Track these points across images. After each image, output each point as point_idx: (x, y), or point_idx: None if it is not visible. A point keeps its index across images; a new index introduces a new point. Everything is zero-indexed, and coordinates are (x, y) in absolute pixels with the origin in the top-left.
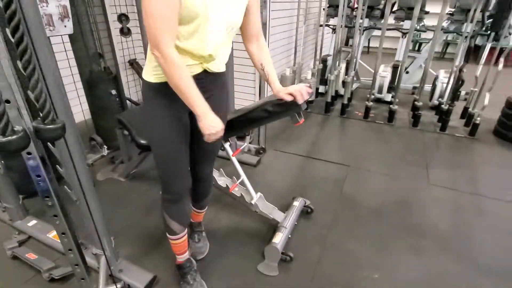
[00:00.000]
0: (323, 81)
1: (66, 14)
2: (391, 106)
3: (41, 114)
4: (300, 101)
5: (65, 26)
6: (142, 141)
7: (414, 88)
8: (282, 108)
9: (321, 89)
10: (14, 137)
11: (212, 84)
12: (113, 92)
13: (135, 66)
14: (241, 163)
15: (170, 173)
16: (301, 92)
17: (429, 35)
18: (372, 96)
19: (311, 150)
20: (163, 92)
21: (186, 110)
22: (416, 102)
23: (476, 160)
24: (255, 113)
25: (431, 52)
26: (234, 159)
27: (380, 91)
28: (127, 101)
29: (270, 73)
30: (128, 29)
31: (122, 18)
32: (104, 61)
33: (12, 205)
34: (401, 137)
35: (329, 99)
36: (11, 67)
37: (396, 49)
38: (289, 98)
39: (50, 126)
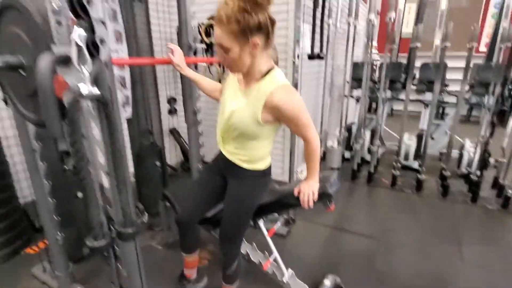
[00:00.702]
0: (349, 147)
1: (127, 102)
2: (418, 175)
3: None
4: (304, 206)
5: (126, 111)
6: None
7: (441, 154)
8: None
9: (347, 154)
10: (104, 242)
11: (226, 168)
12: (158, 163)
13: (175, 134)
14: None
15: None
16: (309, 199)
17: (452, 98)
18: (399, 164)
19: (340, 221)
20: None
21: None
22: (444, 172)
23: (510, 237)
24: (287, 200)
25: (455, 121)
26: (268, 238)
27: (406, 158)
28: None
29: (307, 169)
30: (175, 109)
31: (171, 101)
32: (152, 137)
33: (62, 273)
34: (431, 208)
35: (355, 167)
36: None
37: (419, 112)
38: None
39: (130, 231)
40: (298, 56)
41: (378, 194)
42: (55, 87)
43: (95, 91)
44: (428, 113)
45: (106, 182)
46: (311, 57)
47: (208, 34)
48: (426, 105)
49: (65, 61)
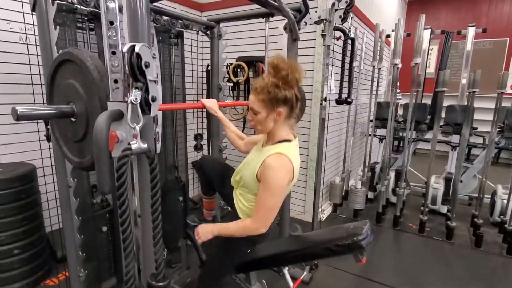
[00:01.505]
0: (372, 187)
1: (158, 138)
2: (449, 222)
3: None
4: (196, 236)
5: (156, 148)
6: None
7: (470, 199)
8: (346, 249)
9: (370, 195)
10: None
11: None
12: (180, 198)
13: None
14: (293, 278)
15: None
16: (200, 235)
17: (478, 139)
18: (426, 209)
19: (365, 269)
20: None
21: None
22: (476, 219)
23: None
24: (315, 250)
25: (485, 164)
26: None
27: (433, 203)
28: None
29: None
30: (201, 145)
31: (198, 137)
32: (177, 171)
33: None
34: (464, 259)
35: (380, 209)
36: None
37: (444, 151)
38: None
39: (161, 284)
40: (325, 99)
41: (406, 240)
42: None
43: (143, 146)
44: (456, 155)
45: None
46: (339, 102)
47: (235, 74)
48: (453, 147)
49: (119, 117)
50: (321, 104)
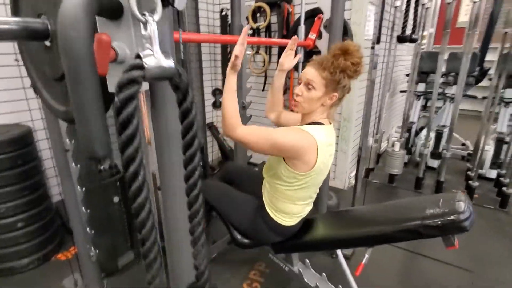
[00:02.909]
0: (408, 150)
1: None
2: (504, 189)
3: None
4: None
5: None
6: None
7: None
8: (441, 231)
9: (405, 158)
10: None
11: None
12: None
13: (213, 130)
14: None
15: None
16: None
17: None
18: (475, 174)
19: (416, 243)
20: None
21: None
22: None
23: None
24: (391, 231)
25: None
26: (347, 272)
27: (480, 167)
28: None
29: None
30: (220, 102)
31: (216, 92)
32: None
33: None
34: None
35: (420, 174)
36: None
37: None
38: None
39: None
40: (378, 40)
41: None
42: (95, 54)
43: (167, 62)
44: (508, 113)
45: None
46: (402, 39)
47: (254, 19)
48: (506, 103)
49: (115, 9)
50: (372, 47)
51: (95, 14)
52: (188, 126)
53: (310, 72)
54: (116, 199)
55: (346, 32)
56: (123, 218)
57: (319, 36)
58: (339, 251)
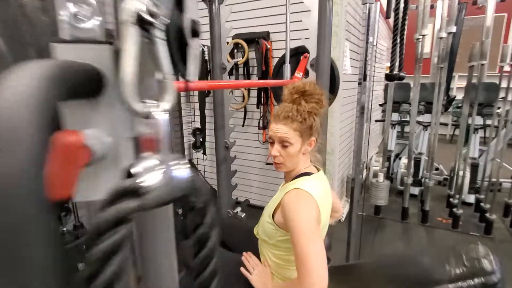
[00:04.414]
0: (389, 178)
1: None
2: (487, 215)
3: None
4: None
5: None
6: None
7: (491, 184)
8: None
9: None
10: None
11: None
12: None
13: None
14: None
15: None
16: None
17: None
18: (456, 201)
19: None
20: None
21: None
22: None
23: None
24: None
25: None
26: None
27: (459, 192)
28: None
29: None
30: (201, 142)
31: (196, 132)
32: None
33: None
34: None
35: (406, 204)
36: None
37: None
38: None
39: None
40: (364, 77)
41: (441, 238)
42: (51, 175)
43: (182, 173)
44: (476, 138)
45: None
46: (391, 78)
47: (232, 55)
48: (475, 130)
49: (91, 87)
50: (359, 84)
51: (54, 110)
52: (205, 260)
53: (280, 129)
54: (81, 265)
55: (333, 69)
56: None
57: (306, 74)
58: None
